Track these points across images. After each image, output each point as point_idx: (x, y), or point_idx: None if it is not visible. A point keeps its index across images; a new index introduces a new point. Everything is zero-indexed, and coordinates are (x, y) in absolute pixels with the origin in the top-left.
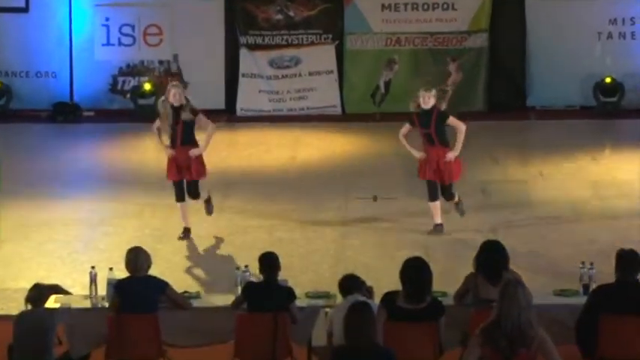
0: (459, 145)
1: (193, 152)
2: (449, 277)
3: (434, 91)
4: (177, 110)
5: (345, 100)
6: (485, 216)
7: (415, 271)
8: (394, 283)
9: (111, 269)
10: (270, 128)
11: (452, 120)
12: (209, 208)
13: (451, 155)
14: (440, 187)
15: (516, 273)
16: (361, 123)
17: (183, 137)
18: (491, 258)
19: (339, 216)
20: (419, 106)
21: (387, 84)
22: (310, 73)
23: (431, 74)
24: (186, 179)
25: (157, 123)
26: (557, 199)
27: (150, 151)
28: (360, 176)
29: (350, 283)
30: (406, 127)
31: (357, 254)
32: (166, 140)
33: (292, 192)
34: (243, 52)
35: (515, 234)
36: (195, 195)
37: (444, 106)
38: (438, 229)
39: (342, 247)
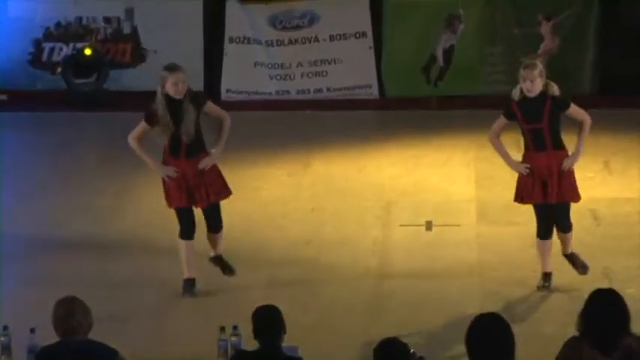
0: (581, 145)
1: (205, 162)
2: (538, 343)
3: (539, 69)
4: (177, 106)
5: (385, 77)
6: (595, 253)
7: (489, 336)
8: (458, 352)
9: (32, 331)
10: (271, 119)
11: (574, 110)
12: (225, 266)
13: (572, 161)
14: (551, 213)
15: None
16: (408, 112)
17: (188, 146)
18: (604, 316)
19: (375, 252)
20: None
21: (448, 53)
22: (332, 38)
23: (513, 39)
24: (202, 206)
25: (142, 128)
26: None
27: (94, 153)
28: (407, 193)
29: (391, 353)
30: (501, 122)
31: (401, 308)
32: (151, 155)
33: (304, 214)
34: (232, 6)
35: (638, 280)
36: (217, 224)
37: (556, 90)
38: (547, 280)
39: (379, 297)
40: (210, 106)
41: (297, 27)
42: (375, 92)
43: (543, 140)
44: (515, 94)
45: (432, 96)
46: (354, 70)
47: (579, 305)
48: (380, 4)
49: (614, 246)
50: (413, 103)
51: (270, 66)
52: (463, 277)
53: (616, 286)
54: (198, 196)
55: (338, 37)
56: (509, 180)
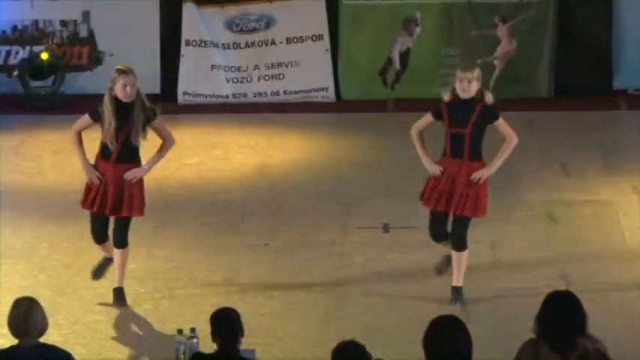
0: (499, 161)
1: (132, 173)
2: (497, 345)
3: (477, 72)
4: (124, 109)
5: (342, 80)
6: (552, 255)
7: (447, 338)
8: (415, 355)
9: None
10: (228, 122)
11: (503, 124)
12: (119, 298)
13: (484, 172)
14: (451, 223)
15: (598, 341)
16: (365, 114)
17: (121, 151)
18: (560, 318)
19: (332, 255)
20: (455, 94)
21: (405, 56)
22: (289, 40)
23: (470, 42)
24: (113, 215)
25: (84, 123)
26: None
27: (50, 157)
28: (364, 195)
29: (349, 355)
30: (426, 119)
31: (358, 311)
32: (83, 153)
33: (262, 218)
34: (188, 8)
35: (596, 282)
36: (121, 240)
37: (491, 98)
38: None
39: (336, 300)
40: (157, 123)
41: (254, 30)
42: (331, 95)
43: (462, 147)
44: (446, 95)
45: (388, 99)
46: (311, 73)
47: (536, 307)
48: (336, 7)
49: (571, 248)
50: (370, 106)
51: (227, 69)
52: (420, 279)
53: (573, 289)
54: (115, 208)
55: (294, 40)
56: None
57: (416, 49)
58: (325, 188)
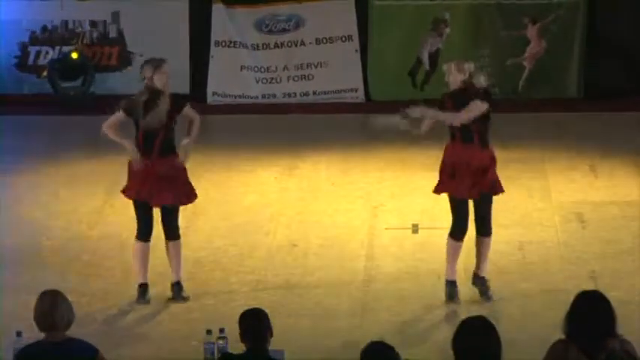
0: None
1: (182, 159)
2: (526, 345)
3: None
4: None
5: (371, 80)
6: (581, 255)
7: (476, 340)
8: (445, 355)
9: (19, 334)
10: (258, 123)
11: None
12: (178, 292)
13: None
14: (474, 211)
15: (628, 342)
16: (395, 115)
17: (164, 144)
18: (590, 318)
19: (360, 255)
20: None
21: (434, 56)
22: (318, 41)
23: (499, 42)
24: (165, 204)
25: (118, 118)
26: None
27: (82, 158)
28: (393, 196)
29: (377, 355)
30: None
31: (388, 311)
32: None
33: (290, 218)
34: (217, 9)
35: (625, 283)
36: (174, 230)
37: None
38: (454, 291)
39: (365, 300)
40: (189, 111)
41: (283, 30)
42: (361, 96)
43: (469, 134)
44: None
45: (418, 99)
46: (340, 73)
47: (565, 307)
48: (366, 8)
49: (600, 249)
50: (399, 107)
51: (256, 69)
52: None
53: (602, 289)
54: (167, 196)
55: (324, 40)
56: None
57: (445, 50)
58: (354, 189)
